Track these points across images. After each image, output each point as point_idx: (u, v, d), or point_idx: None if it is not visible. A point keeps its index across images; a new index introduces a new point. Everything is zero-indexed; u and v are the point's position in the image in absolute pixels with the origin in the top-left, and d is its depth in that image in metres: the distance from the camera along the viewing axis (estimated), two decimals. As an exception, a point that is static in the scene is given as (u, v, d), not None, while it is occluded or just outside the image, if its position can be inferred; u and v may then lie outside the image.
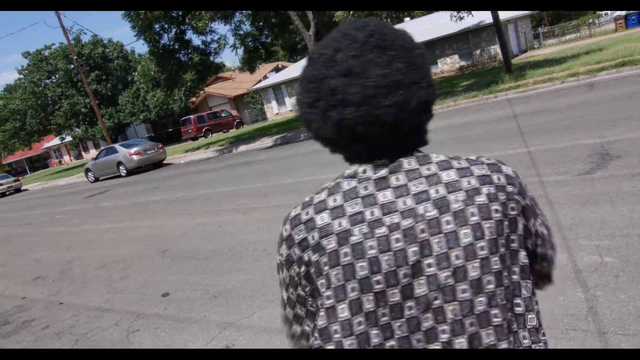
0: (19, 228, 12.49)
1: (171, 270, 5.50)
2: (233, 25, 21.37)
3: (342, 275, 0.78)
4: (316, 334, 0.82)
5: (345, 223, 0.79)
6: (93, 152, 45.12)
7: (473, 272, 0.76)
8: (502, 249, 0.79)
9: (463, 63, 27.18)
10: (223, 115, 35.07)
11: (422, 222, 0.77)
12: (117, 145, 20.40)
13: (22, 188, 29.06)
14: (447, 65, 27.87)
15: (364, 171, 0.83)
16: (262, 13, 20.18)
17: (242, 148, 18.71)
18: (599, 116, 7.54)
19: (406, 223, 0.77)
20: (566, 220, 3.99)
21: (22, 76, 38.64)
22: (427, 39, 27.07)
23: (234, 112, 37.37)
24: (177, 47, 22.13)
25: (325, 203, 0.82)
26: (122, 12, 19.37)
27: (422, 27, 29.76)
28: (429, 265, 0.77)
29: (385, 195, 0.79)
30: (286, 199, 7.54)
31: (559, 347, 2.49)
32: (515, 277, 0.81)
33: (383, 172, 0.82)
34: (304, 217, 0.83)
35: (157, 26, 20.77)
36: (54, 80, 38.17)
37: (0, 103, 41.80)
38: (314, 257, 0.81)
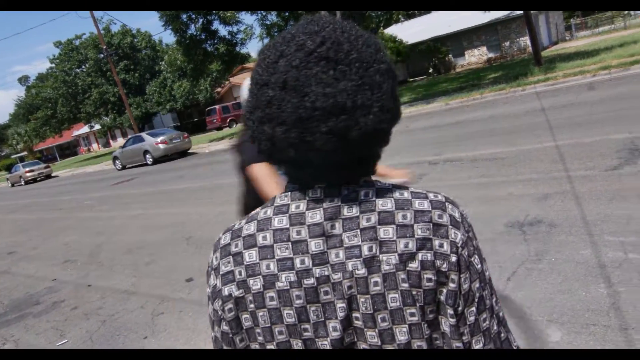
0: (50, 213, 12.90)
1: (195, 256, 5.62)
2: (259, 15, 21.46)
3: (269, 318, 0.75)
4: None
5: (273, 266, 0.74)
6: (120, 141, 46.00)
7: (401, 336, 0.73)
8: (431, 316, 0.73)
9: (491, 55, 26.69)
10: (248, 105, 35.26)
11: (349, 279, 0.72)
12: (144, 134, 20.78)
13: (52, 174, 29.90)
14: (474, 57, 27.40)
15: (297, 207, 0.75)
16: (288, 3, 20.17)
17: (266, 138, 18.82)
18: (631, 111, 7.33)
19: (335, 277, 0.73)
20: (592, 215, 3.93)
21: (53, 65, 39.64)
22: (454, 30, 26.68)
23: (259, 103, 37.54)
24: (203, 37, 22.35)
25: (255, 239, 0.76)
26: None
27: (449, 18, 29.28)
28: (357, 319, 0.74)
29: (317, 245, 0.73)
30: (308, 189, 7.60)
31: (579, 341, 2.48)
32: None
33: (317, 217, 0.74)
34: (233, 250, 0.77)
35: (184, 16, 21.00)
36: (84, 70, 39.05)
37: (33, 92, 43.08)
38: (237, 293, 0.76)
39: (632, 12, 36.46)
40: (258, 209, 0.80)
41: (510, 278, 3.29)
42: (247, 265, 0.76)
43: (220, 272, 0.78)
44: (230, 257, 0.77)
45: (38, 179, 28.72)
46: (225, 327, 0.79)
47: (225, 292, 0.77)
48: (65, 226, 10.04)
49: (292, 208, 0.75)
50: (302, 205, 0.75)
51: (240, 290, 0.76)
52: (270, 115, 0.70)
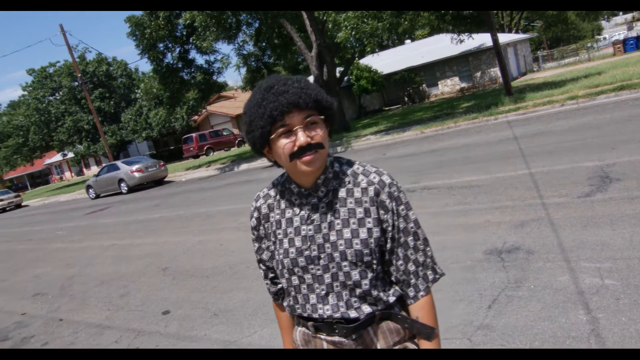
0: (20, 244, 12.48)
1: (172, 288, 5.49)
2: (236, 45, 21.69)
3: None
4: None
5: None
6: (94, 169, 45.23)
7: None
8: None
9: (463, 85, 27.44)
10: (225, 133, 35.26)
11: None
12: (118, 162, 20.49)
13: (22, 204, 29.07)
14: (447, 87, 28.13)
15: None
16: (264, 33, 20.47)
17: (244, 166, 18.77)
18: (599, 139, 7.60)
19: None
20: (567, 242, 4.01)
21: (26, 93, 38.97)
22: (428, 61, 27.42)
23: (236, 131, 37.58)
24: (180, 66, 22.42)
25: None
26: (128, 30, 19.67)
27: (423, 49, 30.13)
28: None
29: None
30: (287, 217, 7.55)
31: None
32: None
33: None
34: None
35: (161, 45, 21.07)
36: (58, 97, 38.50)
37: (4, 119, 42.18)
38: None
39: (595, 45, 38.18)
40: None
41: (491, 306, 3.30)
42: None
43: None
44: None
45: (7, 209, 27.88)
46: None
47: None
48: (35, 258, 9.71)
49: None
50: None
51: None
52: None
